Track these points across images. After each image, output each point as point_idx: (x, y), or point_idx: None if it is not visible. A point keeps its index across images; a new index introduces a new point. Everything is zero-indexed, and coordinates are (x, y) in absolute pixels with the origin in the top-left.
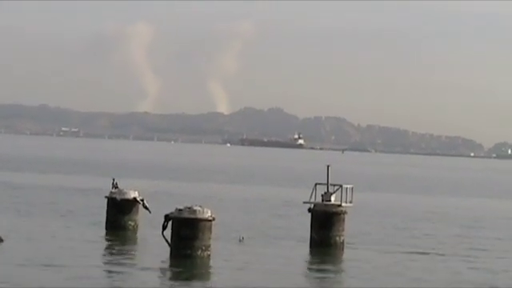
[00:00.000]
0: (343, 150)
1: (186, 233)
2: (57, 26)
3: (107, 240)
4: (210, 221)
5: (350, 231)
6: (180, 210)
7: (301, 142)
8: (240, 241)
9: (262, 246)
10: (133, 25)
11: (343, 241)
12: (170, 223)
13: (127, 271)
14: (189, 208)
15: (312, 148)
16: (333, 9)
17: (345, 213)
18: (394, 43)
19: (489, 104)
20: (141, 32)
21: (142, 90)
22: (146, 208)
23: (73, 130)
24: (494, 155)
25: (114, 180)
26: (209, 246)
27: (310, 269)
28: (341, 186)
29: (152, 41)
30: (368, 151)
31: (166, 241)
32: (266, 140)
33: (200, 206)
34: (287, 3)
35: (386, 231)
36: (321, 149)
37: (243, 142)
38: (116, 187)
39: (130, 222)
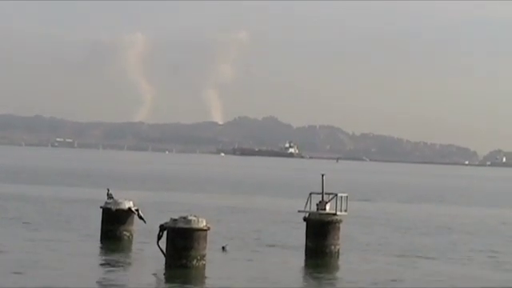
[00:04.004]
0: (337, 159)
1: (181, 243)
2: (51, 36)
3: (102, 250)
4: (205, 230)
5: (345, 240)
6: (175, 219)
7: (292, 150)
8: (223, 249)
9: (258, 255)
10: (128, 35)
11: (338, 250)
12: (165, 233)
13: (122, 281)
14: (184, 218)
15: (302, 157)
16: (327, 18)
17: (340, 221)
18: (388, 51)
19: (484, 112)
20: (135, 42)
21: (136, 99)
22: (140, 218)
23: (67, 140)
24: (489, 163)
25: (108, 190)
26: (204, 255)
27: (305, 277)
28: (335, 195)
29: (147, 50)
30: (362, 160)
31: (161, 251)
32: (257, 149)
33: (195, 216)
34: (282, 13)
35: (381, 240)
36: (311, 157)
37: (235, 152)
38: (111, 197)
39: (125, 232)
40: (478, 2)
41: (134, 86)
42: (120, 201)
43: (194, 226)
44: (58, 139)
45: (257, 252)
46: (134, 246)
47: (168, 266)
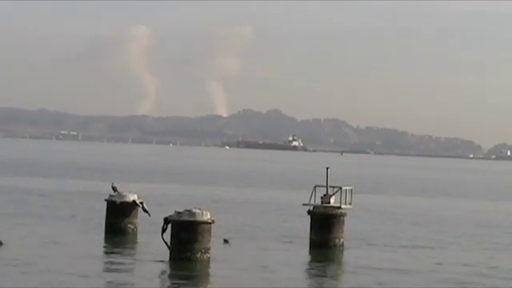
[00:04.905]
0: (342, 152)
1: (186, 236)
2: (54, 29)
3: (106, 243)
4: (210, 223)
5: (349, 233)
6: (179, 212)
7: (295, 143)
8: (226, 242)
9: (262, 248)
10: (131, 27)
11: (343, 243)
12: (169, 226)
13: (127, 274)
14: (188, 211)
15: (306, 150)
16: (332, 10)
17: (344, 215)
18: (392, 44)
19: (488, 105)
20: (139, 35)
21: (140, 92)
22: (145, 211)
23: (71, 133)
24: (494, 156)
25: (113, 184)
26: (208, 248)
27: (309, 270)
28: (340, 188)
29: (150, 43)
30: (367, 153)
31: (166, 244)
32: (260, 142)
33: (199, 209)
34: (286, 5)
35: (385, 233)
36: (314, 150)
37: (239, 145)
38: (115, 190)
39: (129, 225)
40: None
41: (137, 79)
42: (124, 194)
43: (199, 218)
44: (62, 132)
45: (261, 245)
46: (139, 239)
47: (172, 258)
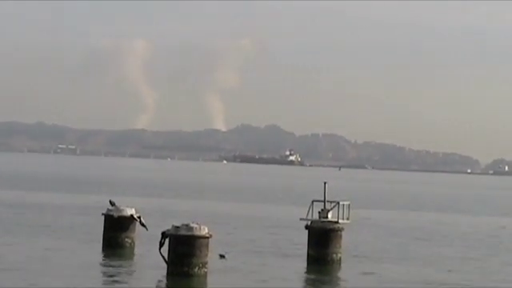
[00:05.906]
0: (340, 167)
1: (183, 250)
2: (52, 43)
3: (104, 257)
4: (207, 238)
5: (346, 248)
6: (177, 227)
7: (292, 158)
8: (222, 257)
9: (259, 263)
10: (129, 41)
11: (340, 258)
12: (166, 240)
13: None
14: (186, 225)
15: (302, 165)
16: (329, 25)
17: (342, 229)
18: (389, 59)
19: (487, 120)
20: (137, 48)
21: (138, 106)
22: (142, 225)
23: (70, 147)
24: (491, 172)
25: (110, 200)
26: (206, 263)
27: (307, 285)
28: (338, 203)
29: (149, 57)
30: (365, 168)
31: (163, 258)
32: (257, 157)
33: (197, 223)
34: (285, 19)
35: (383, 248)
36: (310, 165)
37: (236, 159)
38: (113, 204)
39: (126, 239)
40: (478, 12)
41: (136, 93)
42: (122, 208)
43: (196, 233)
44: (60, 146)
45: (258, 260)
46: (136, 253)
47: (170, 273)
